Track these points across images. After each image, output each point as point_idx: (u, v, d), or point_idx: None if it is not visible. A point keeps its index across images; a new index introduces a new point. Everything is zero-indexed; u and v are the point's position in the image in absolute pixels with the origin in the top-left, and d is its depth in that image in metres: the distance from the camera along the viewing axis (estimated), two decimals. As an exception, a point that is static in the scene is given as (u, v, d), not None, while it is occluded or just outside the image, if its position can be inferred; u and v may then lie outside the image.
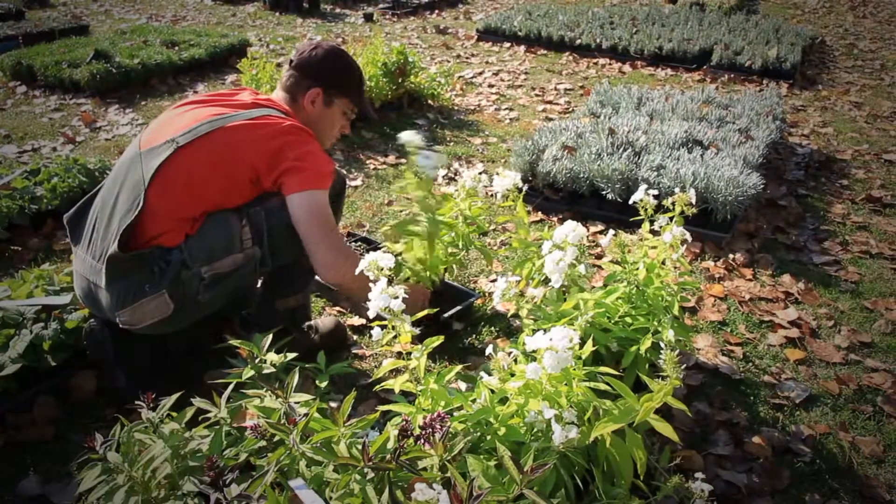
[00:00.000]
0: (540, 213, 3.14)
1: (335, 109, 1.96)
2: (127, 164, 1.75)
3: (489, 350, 1.49)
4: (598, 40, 6.18)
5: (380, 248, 1.96)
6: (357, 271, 1.45)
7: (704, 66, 5.69)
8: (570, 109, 4.67)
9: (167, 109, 1.87)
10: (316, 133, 1.84)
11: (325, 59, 1.90)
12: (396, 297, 1.34)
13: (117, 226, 1.66)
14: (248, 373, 1.50)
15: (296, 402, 1.33)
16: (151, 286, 1.64)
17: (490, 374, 1.42)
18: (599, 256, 2.73)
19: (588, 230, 2.98)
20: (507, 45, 6.54)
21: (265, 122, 1.76)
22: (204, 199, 1.71)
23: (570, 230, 1.59)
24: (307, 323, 2.08)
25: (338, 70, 1.92)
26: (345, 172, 3.50)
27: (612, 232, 1.77)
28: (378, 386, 1.56)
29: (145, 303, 1.65)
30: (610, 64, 5.93)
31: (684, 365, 1.84)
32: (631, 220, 2.11)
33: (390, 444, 1.16)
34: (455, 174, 3.57)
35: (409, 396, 1.55)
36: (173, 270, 1.65)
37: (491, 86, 5.23)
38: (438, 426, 1.11)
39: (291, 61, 1.93)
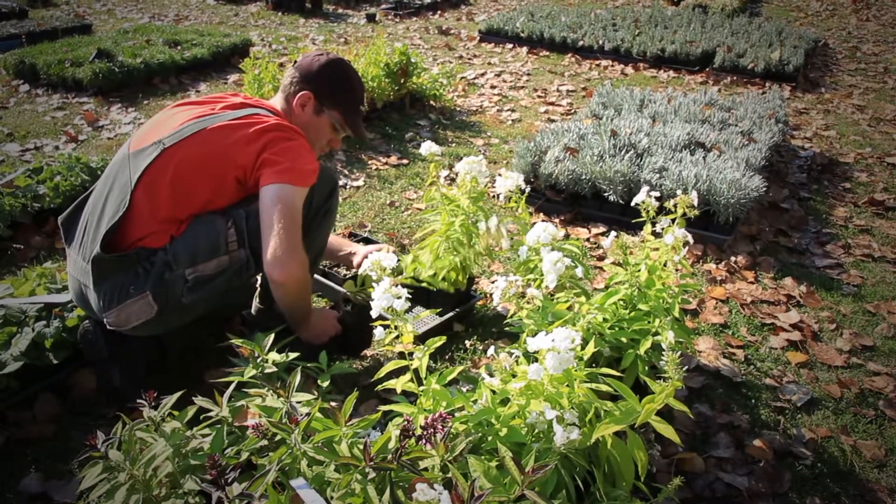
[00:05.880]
0: (542, 214, 3.14)
1: (325, 119, 1.91)
2: (117, 166, 1.75)
3: (491, 351, 1.48)
4: (600, 42, 6.18)
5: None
6: (361, 271, 1.45)
7: (707, 69, 5.69)
8: (573, 111, 4.67)
9: (161, 111, 1.87)
10: None
11: (327, 65, 1.88)
12: (399, 297, 1.34)
13: (105, 227, 1.66)
14: (250, 372, 1.50)
15: (297, 402, 1.33)
16: (136, 287, 1.64)
17: (491, 375, 1.42)
18: (601, 258, 2.73)
19: (590, 232, 2.98)
20: (510, 46, 6.54)
21: (249, 120, 1.75)
22: (190, 200, 1.70)
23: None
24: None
25: (335, 79, 1.89)
26: (338, 173, 3.50)
27: (613, 233, 1.77)
28: (379, 386, 1.55)
29: (130, 304, 1.65)
30: (612, 66, 5.93)
31: (686, 367, 1.84)
32: (633, 221, 2.11)
33: (392, 445, 1.16)
34: (456, 175, 3.56)
35: (410, 397, 1.55)
36: (157, 272, 1.65)
37: (493, 87, 5.23)
38: (440, 426, 1.11)
39: (295, 62, 1.93)
